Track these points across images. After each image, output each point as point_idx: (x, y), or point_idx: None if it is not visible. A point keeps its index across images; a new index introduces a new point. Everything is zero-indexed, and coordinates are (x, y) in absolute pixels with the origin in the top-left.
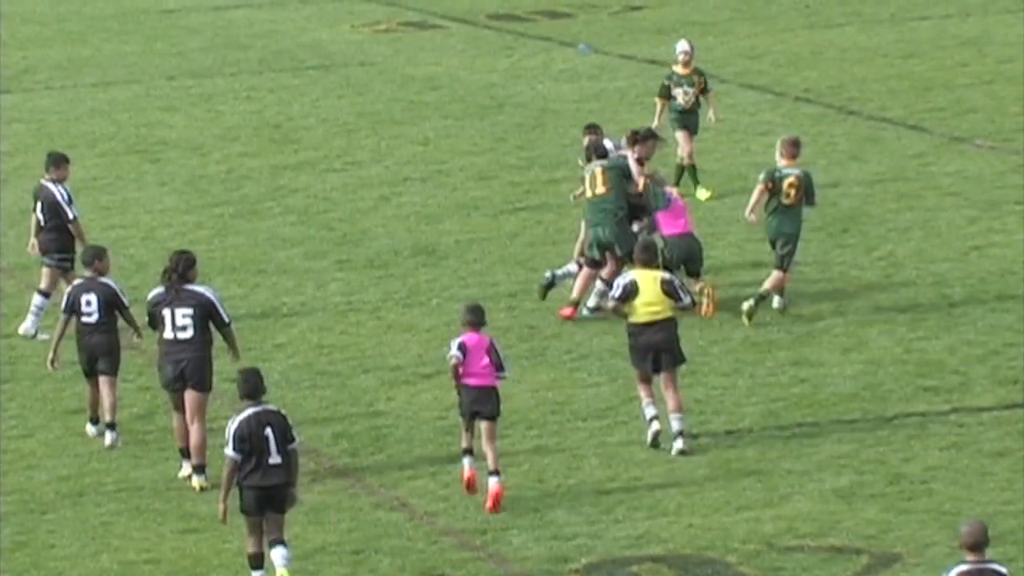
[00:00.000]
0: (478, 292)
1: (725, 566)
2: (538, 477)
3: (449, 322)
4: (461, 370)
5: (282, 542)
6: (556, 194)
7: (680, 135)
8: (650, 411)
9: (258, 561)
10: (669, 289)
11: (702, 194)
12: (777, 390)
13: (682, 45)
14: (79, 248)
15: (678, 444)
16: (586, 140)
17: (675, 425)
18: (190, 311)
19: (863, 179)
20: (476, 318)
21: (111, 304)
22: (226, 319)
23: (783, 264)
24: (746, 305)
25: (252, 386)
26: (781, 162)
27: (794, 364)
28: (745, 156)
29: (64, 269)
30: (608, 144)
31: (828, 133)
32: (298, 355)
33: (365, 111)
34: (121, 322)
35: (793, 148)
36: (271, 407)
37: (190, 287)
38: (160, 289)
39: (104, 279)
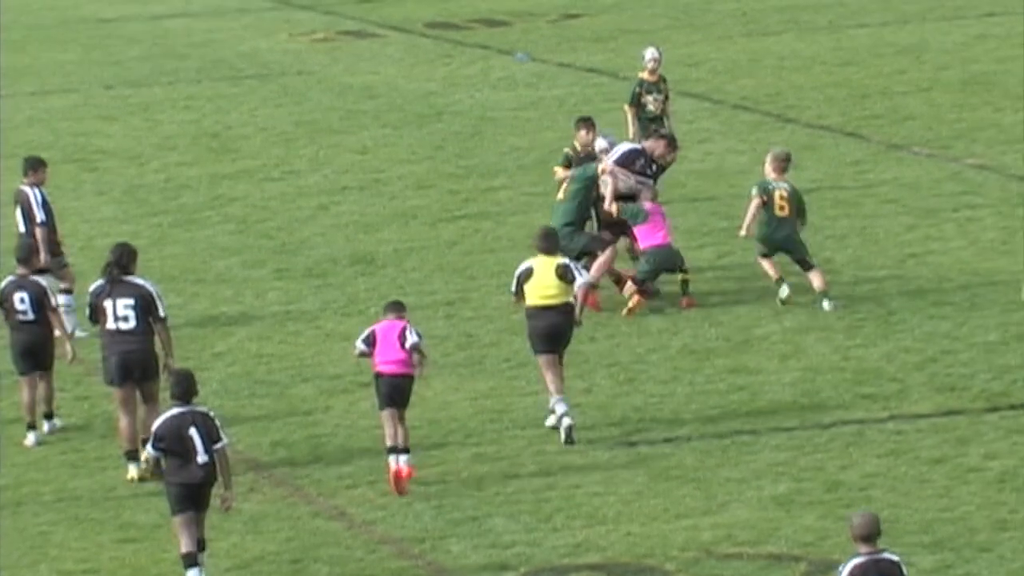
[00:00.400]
0: (416, 300)
1: (664, 574)
2: (477, 485)
3: None
4: (375, 359)
5: (201, 547)
6: (494, 202)
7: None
8: (560, 407)
9: (192, 560)
10: (564, 273)
11: None
12: (715, 398)
13: (651, 52)
14: (42, 255)
15: (563, 422)
16: (582, 134)
17: (559, 407)
18: (131, 301)
19: (800, 187)
20: (395, 313)
21: (42, 302)
22: (162, 313)
23: (811, 262)
24: (784, 293)
25: (183, 388)
26: (771, 176)
27: (732, 372)
28: (683, 164)
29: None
30: (601, 142)
31: (766, 141)
32: (236, 364)
33: (303, 120)
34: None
35: (783, 163)
36: (199, 408)
37: (131, 278)
38: (101, 281)
39: (35, 277)
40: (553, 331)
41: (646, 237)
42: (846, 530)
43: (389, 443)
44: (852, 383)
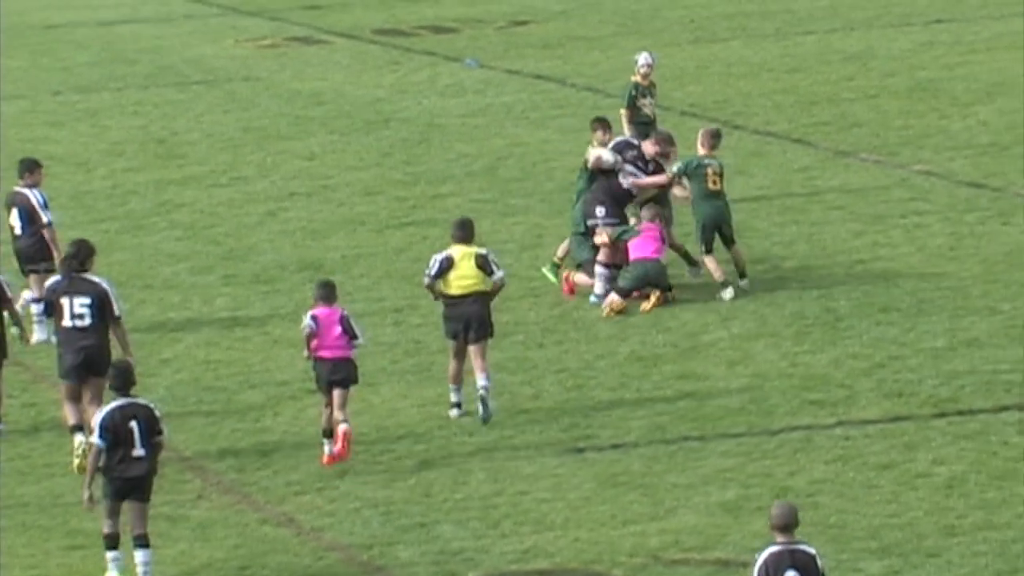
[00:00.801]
0: (365, 307)
1: None
2: (425, 491)
3: None
4: (315, 343)
5: (144, 543)
6: (442, 209)
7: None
8: (455, 397)
9: (113, 542)
10: (482, 263)
11: None
12: (663, 404)
13: (644, 57)
14: (55, 253)
15: (481, 409)
16: (599, 134)
17: (481, 392)
18: (88, 300)
19: (748, 193)
20: (327, 292)
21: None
22: (117, 312)
23: (734, 239)
24: (727, 295)
25: (123, 380)
26: (701, 151)
27: (680, 378)
28: None
29: (49, 273)
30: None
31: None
32: (184, 370)
33: (251, 126)
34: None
35: (715, 139)
36: (139, 400)
37: (88, 276)
38: (58, 277)
39: None
40: (470, 319)
41: (637, 250)
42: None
43: (324, 425)
44: (800, 389)
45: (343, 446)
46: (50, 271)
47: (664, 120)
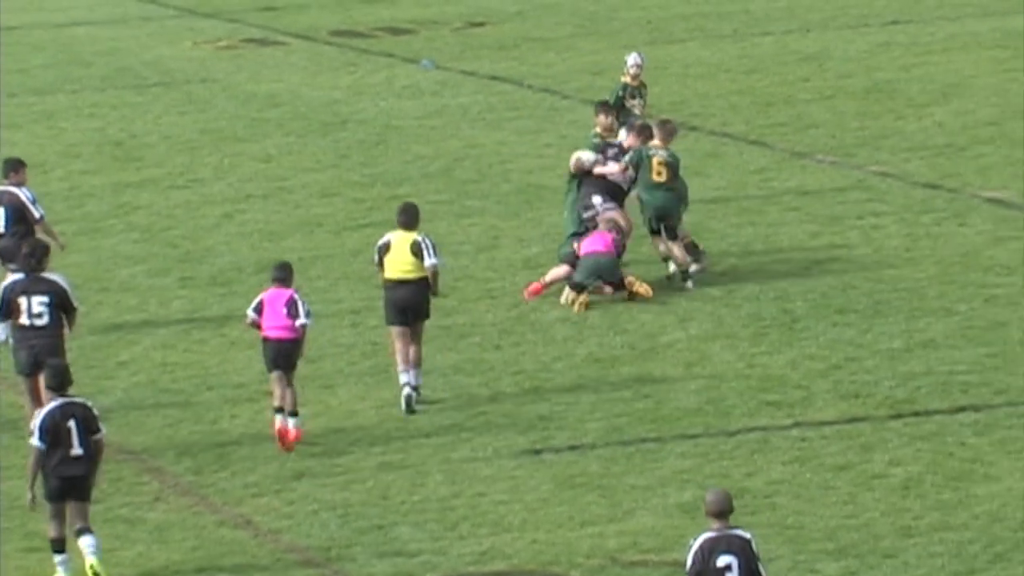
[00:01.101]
0: (322, 309)
1: None
2: (382, 494)
3: None
4: (262, 326)
5: (88, 530)
6: None
7: None
8: (404, 378)
9: (60, 545)
10: (416, 249)
11: None
12: (620, 405)
13: (633, 58)
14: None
15: (403, 391)
16: (601, 118)
17: (412, 377)
18: (46, 299)
19: (705, 195)
20: (282, 274)
21: None
22: (75, 304)
23: (677, 233)
24: (674, 277)
25: (59, 380)
26: (654, 142)
27: (637, 379)
28: None
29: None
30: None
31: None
32: (141, 373)
33: (207, 128)
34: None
35: (662, 130)
36: (76, 399)
37: (45, 275)
38: (16, 276)
39: None
40: (406, 304)
41: (588, 245)
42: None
43: (276, 404)
44: (757, 390)
45: (285, 444)
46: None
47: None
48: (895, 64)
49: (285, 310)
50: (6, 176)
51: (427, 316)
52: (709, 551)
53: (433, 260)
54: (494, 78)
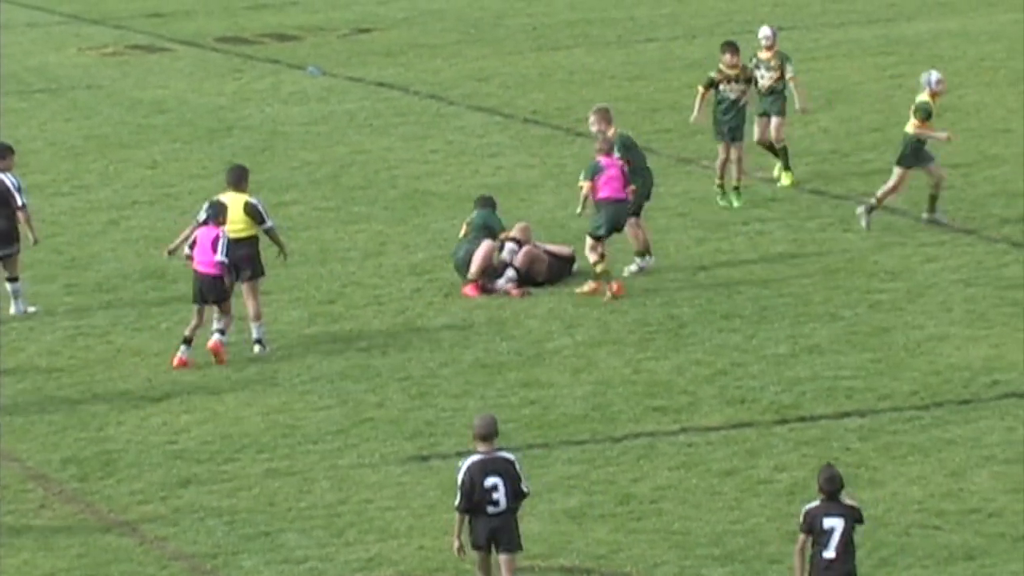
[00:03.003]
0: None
1: None
2: (269, 500)
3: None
4: (193, 253)
5: None
6: (286, 217)
7: (762, 121)
8: (256, 333)
9: None
10: (251, 211)
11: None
12: (507, 411)
13: (764, 31)
14: (29, 236)
15: (256, 349)
16: (727, 57)
17: (254, 332)
18: None
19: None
20: (216, 213)
21: None
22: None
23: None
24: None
25: None
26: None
27: (524, 385)
28: (474, 178)
29: (11, 256)
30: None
31: (556, 155)
32: (26, 380)
33: (93, 134)
34: None
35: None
36: None
37: None
38: None
39: None
40: (240, 262)
41: (604, 188)
42: (637, 543)
43: (187, 333)
44: (643, 396)
45: (217, 356)
46: (17, 253)
47: (507, 128)
48: None
49: (211, 247)
50: None
51: (262, 272)
52: (478, 473)
53: (271, 222)
54: (380, 84)
